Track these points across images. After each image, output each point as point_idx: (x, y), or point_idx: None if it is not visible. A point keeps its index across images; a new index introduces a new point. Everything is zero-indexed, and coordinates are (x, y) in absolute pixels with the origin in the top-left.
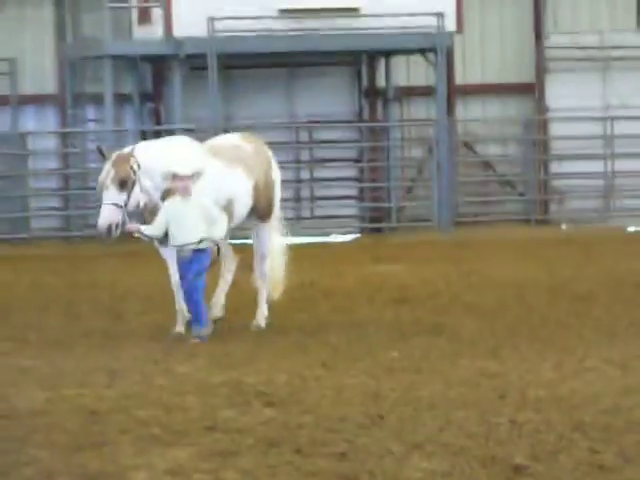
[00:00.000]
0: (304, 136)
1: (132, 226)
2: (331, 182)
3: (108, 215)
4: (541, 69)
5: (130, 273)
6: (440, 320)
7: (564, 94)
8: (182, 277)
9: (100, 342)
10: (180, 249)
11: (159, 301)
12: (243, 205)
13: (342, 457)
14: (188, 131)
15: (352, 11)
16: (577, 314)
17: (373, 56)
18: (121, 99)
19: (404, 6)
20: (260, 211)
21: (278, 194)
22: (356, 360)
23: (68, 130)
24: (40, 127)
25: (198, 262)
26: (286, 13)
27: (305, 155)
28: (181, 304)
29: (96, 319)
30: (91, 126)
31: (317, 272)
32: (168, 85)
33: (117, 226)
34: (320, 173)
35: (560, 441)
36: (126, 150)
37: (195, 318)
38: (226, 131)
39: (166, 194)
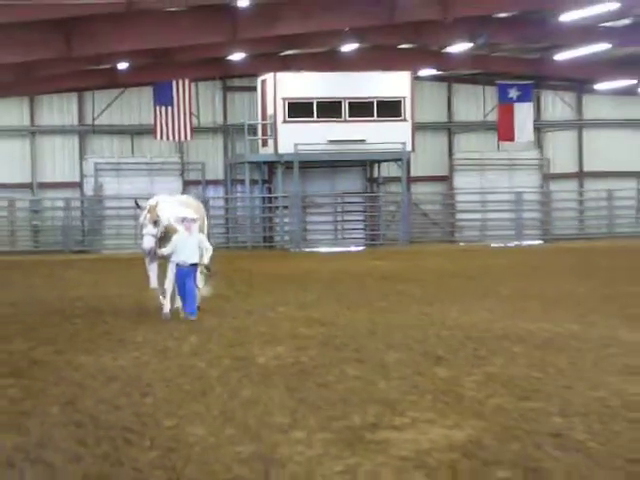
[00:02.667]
0: (339, 200)
1: (160, 250)
2: (351, 221)
3: (148, 241)
4: (452, 169)
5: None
6: (403, 288)
7: (463, 181)
8: (183, 283)
9: (244, 300)
10: (183, 263)
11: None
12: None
13: (356, 350)
14: (284, 197)
15: (362, 141)
16: (468, 285)
17: (372, 162)
18: (253, 182)
19: (386, 138)
20: None
21: (205, 232)
22: (362, 306)
23: (227, 196)
24: (216, 195)
25: (194, 273)
26: (331, 142)
27: (339, 208)
28: (169, 297)
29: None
30: (239, 195)
31: (344, 265)
32: (275, 175)
33: (153, 248)
34: (346, 217)
35: (459, 344)
36: (152, 202)
37: (189, 309)
38: (304, 199)
39: (168, 229)
